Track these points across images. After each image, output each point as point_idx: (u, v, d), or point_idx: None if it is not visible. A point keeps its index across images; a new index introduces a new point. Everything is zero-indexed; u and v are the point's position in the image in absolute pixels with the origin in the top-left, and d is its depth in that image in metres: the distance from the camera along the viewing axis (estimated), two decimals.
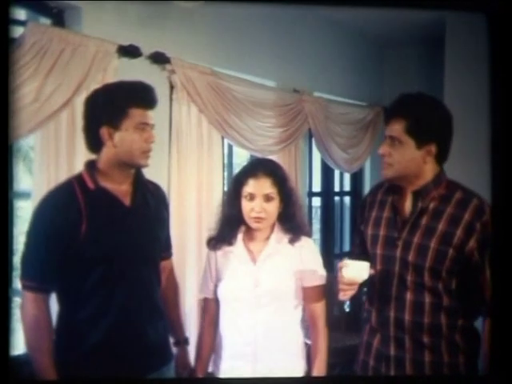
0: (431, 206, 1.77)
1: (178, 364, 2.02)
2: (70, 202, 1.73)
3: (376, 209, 1.88)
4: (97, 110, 1.77)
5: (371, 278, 1.76)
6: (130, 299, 1.77)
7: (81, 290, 1.73)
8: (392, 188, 1.86)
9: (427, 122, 1.75)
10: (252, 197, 1.87)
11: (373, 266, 1.77)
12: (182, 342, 2.04)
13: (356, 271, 1.72)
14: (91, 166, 1.80)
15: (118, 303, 1.75)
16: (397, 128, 1.74)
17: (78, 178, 1.79)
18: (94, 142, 1.78)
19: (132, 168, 1.81)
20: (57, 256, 1.71)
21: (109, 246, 1.74)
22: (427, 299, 1.75)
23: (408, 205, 1.81)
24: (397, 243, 1.79)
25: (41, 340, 1.72)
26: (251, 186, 1.88)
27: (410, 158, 1.76)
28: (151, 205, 1.88)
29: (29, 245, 1.73)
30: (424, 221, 1.77)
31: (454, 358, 1.78)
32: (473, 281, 1.77)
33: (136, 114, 1.75)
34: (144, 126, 1.76)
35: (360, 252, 1.93)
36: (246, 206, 1.88)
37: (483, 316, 1.79)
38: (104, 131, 1.74)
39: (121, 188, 1.80)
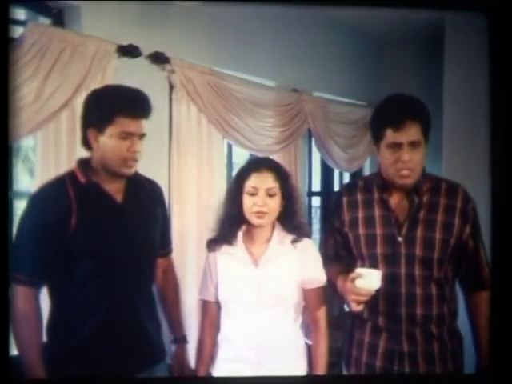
0: (425, 199, 1.82)
1: (175, 362, 2.02)
2: (60, 195, 1.74)
3: (362, 208, 1.88)
4: (88, 111, 1.79)
5: None
6: (119, 296, 1.76)
7: (71, 286, 1.73)
8: (371, 186, 1.87)
9: (429, 120, 1.81)
10: (254, 191, 1.85)
11: (369, 267, 1.77)
12: (181, 339, 2.04)
13: (373, 280, 1.67)
14: (84, 162, 1.81)
15: (107, 300, 1.74)
16: (415, 132, 1.76)
17: (70, 174, 1.81)
18: (86, 141, 1.80)
19: (117, 174, 1.80)
20: (47, 249, 1.71)
21: (98, 241, 1.74)
22: (434, 291, 1.79)
23: (401, 201, 1.83)
24: (399, 240, 1.80)
25: (30, 335, 1.71)
26: (254, 181, 1.86)
27: (423, 158, 1.80)
28: (145, 202, 1.87)
29: (19, 237, 1.74)
30: (422, 214, 1.81)
31: (453, 344, 1.84)
32: (468, 264, 1.84)
33: (122, 122, 1.74)
34: (128, 136, 1.75)
35: (335, 253, 1.94)
36: (248, 201, 1.86)
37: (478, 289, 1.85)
38: (90, 133, 1.76)
39: (113, 185, 1.81)
